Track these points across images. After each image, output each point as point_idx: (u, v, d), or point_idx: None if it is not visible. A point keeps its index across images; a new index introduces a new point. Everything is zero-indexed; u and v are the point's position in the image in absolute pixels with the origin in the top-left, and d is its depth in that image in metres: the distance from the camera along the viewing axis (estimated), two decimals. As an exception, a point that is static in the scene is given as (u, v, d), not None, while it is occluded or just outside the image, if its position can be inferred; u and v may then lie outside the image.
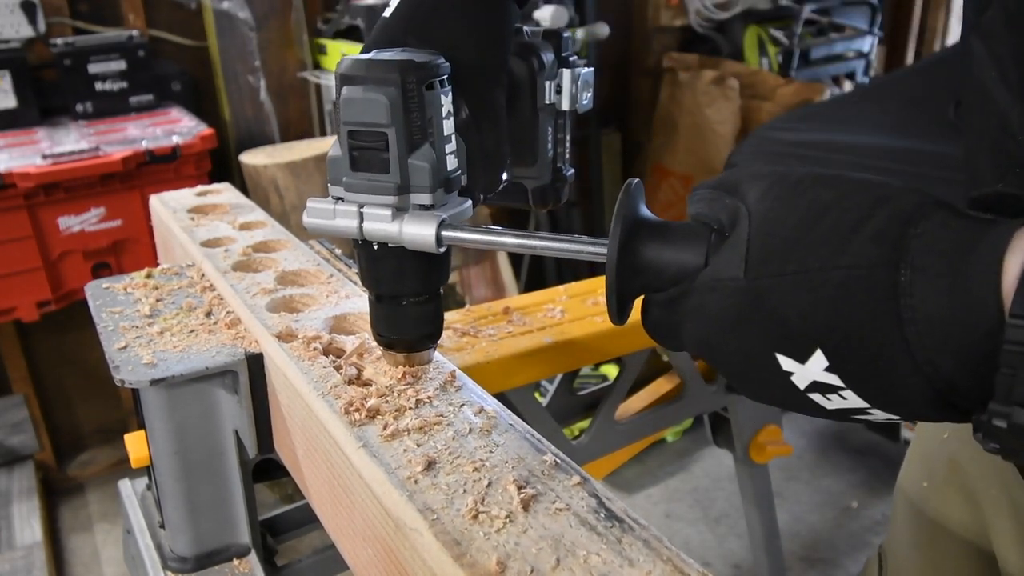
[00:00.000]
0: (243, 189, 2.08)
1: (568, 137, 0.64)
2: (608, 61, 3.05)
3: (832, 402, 0.40)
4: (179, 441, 0.66)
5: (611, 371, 2.06)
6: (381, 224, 0.52)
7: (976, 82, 0.48)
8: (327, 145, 2.18)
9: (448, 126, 0.52)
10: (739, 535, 2.10)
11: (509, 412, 0.55)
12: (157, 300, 0.75)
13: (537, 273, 3.00)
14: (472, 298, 2.56)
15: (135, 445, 0.74)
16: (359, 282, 0.78)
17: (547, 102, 0.61)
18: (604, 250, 0.46)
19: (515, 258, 2.86)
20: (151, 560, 0.74)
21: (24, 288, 1.81)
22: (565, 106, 0.62)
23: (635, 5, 3.06)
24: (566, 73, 0.61)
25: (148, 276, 0.80)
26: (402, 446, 0.51)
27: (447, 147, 0.52)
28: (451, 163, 0.53)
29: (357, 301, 0.72)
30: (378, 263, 0.55)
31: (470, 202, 0.55)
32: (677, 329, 0.45)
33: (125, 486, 0.87)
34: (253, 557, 0.73)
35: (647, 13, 3.03)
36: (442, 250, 0.52)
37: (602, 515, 0.44)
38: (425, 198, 0.52)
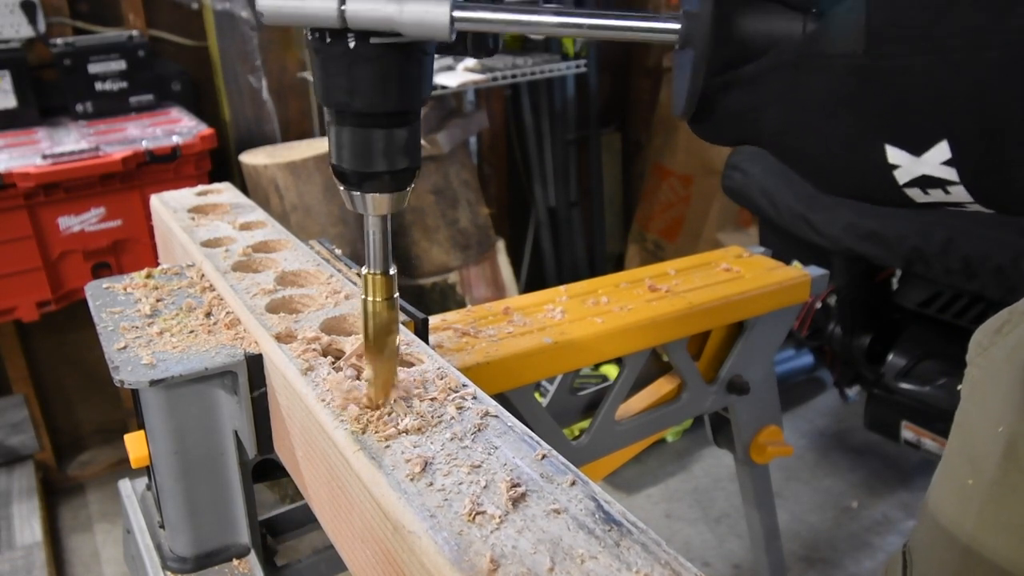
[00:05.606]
0: (243, 189, 2.08)
1: None
2: (608, 61, 3.05)
3: (930, 196, 0.37)
4: (179, 441, 0.66)
5: (611, 371, 2.06)
6: (373, 3, 0.41)
7: None
8: (327, 145, 2.18)
9: None
10: (739, 535, 2.10)
11: (508, 414, 0.55)
12: (157, 300, 0.75)
13: (537, 273, 3.00)
14: (472, 298, 2.56)
15: (135, 445, 0.74)
16: (359, 282, 0.78)
17: None
18: (675, 25, 0.39)
19: (515, 258, 2.86)
20: (151, 560, 0.74)
21: (24, 288, 1.81)
22: None
23: (635, 5, 3.06)
24: None
25: (148, 276, 0.80)
26: (400, 448, 0.51)
27: None
28: None
29: (357, 302, 0.72)
30: (354, 66, 0.44)
31: None
32: (756, 115, 0.39)
33: (125, 486, 0.87)
34: (253, 557, 0.73)
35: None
36: (453, 37, 0.42)
37: (600, 518, 0.44)
38: None
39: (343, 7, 0.42)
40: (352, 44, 0.44)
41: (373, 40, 0.44)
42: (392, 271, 0.52)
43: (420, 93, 0.47)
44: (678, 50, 0.42)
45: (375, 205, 0.49)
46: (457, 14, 0.41)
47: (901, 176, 0.37)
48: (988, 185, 0.35)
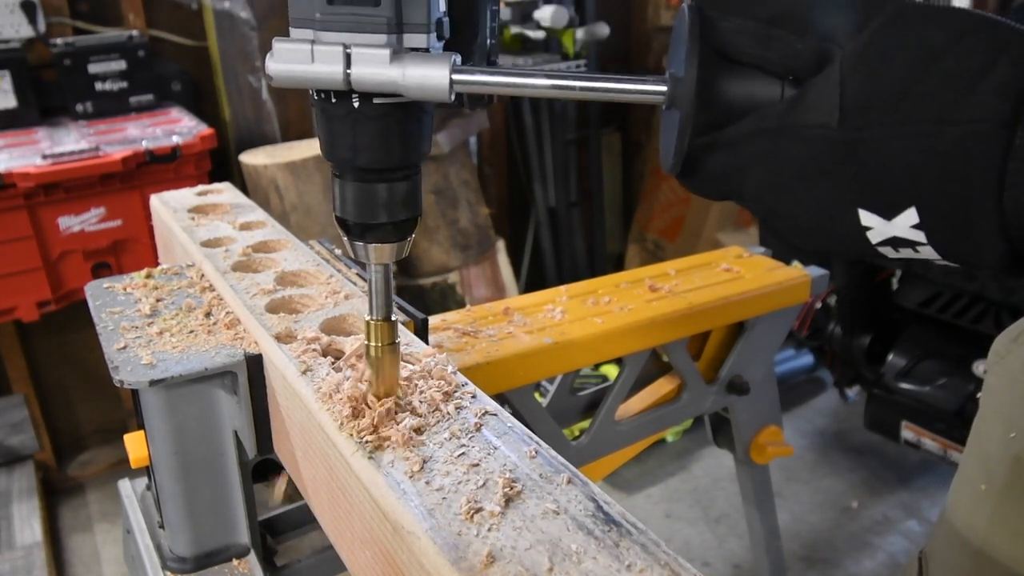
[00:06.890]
0: (243, 189, 2.07)
1: (498, 27, 0.57)
2: (608, 61, 3.05)
3: (900, 254, 0.40)
4: (178, 441, 0.66)
5: (611, 371, 2.06)
6: (377, 67, 0.43)
7: None
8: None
9: None
10: (739, 535, 2.10)
11: (507, 414, 0.55)
12: (157, 300, 0.75)
13: (537, 273, 3.00)
14: (472, 298, 2.56)
15: (135, 445, 0.74)
16: (359, 282, 0.78)
17: None
18: (661, 87, 0.41)
19: (515, 258, 2.86)
20: (151, 560, 0.74)
21: (24, 288, 1.81)
22: None
23: (635, 5, 3.05)
24: None
25: (148, 276, 0.80)
26: (399, 448, 0.51)
27: None
28: (441, 2, 0.45)
29: (357, 302, 0.72)
30: (358, 125, 0.46)
31: (459, 56, 0.45)
32: (739, 176, 0.42)
33: (125, 486, 0.87)
34: (252, 557, 0.73)
35: (647, 13, 3.02)
36: (452, 98, 0.44)
37: (600, 519, 0.44)
38: (420, 39, 0.44)
39: (349, 71, 0.43)
40: (356, 104, 0.45)
41: (376, 100, 0.45)
42: (394, 317, 0.54)
43: (420, 148, 0.49)
44: (665, 110, 0.44)
45: (377, 255, 0.51)
46: (456, 77, 0.43)
47: (874, 236, 0.39)
48: (953, 247, 0.38)
